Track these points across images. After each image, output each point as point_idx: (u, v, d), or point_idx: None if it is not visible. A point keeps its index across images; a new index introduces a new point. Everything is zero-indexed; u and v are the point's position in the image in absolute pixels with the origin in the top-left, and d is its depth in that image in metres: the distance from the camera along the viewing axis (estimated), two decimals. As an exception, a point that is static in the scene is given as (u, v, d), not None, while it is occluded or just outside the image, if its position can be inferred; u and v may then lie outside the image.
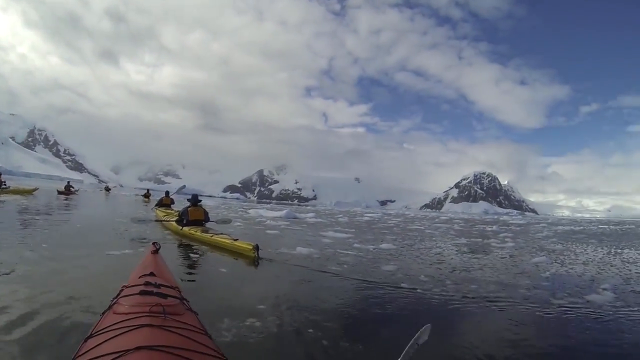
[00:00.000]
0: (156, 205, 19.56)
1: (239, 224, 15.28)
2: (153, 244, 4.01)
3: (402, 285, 5.96)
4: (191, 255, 7.72)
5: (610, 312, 5.13)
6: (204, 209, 10.88)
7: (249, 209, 30.36)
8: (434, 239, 15.32)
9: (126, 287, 2.68)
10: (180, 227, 10.35)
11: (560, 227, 33.13)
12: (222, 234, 9.22)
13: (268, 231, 13.33)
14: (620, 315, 5.04)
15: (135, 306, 2.23)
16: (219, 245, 8.58)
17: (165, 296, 2.37)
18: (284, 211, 22.90)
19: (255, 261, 7.30)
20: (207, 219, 10.69)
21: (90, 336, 2.00)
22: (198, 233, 9.56)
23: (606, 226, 42.14)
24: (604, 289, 6.46)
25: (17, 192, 23.55)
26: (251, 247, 7.54)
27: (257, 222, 17.12)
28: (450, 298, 5.42)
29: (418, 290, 5.68)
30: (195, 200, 10.80)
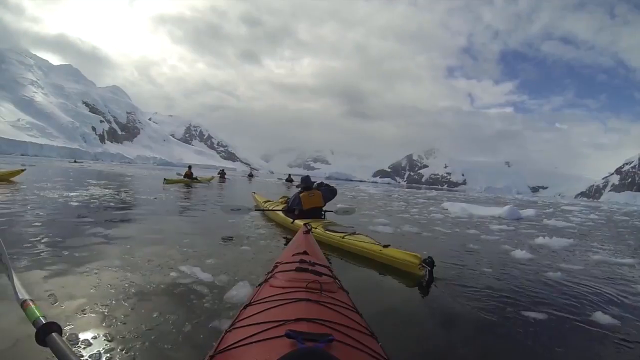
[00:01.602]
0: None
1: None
2: (305, 224, 4.18)
3: None
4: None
5: None
6: (322, 193, 8.16)
7: (437, 202, 21.75)
8: None
9: (280, 263, 2.85)
10: (291, 220, 7.68)
11: None
12: (357, 233, 6.27)
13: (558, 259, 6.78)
14: None
15: (292, 281, 2.36)
16: (358, 253, 5.71)
17: (320, 274, 2.47)
18: (506, 208, 15.53)
19: (424, 280, 4.59)
20: (328, 199, 8.29)
21: (250, 304, 2.16)
22: (320, 229, 6.58)
23: None
24: None
25: (202, 180, 25.47)
26: (417, 261, 4.81)
27: (505, 233, 9.91)
28: None
29: None
30: (307, 183, 8.19)
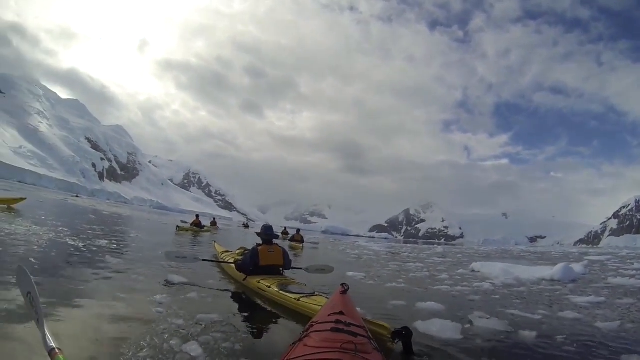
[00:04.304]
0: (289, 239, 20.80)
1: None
2: (342, 285, 3.94)
3: None
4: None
5: None
6: (284, 250, 6.86)
7: (458, 261, 18.88)
8: None
9: (316, 323, 2.90)
10: (244, 277, 6.58)
11: None
12: (316, 294, 5.26)
13: None
14: None
15: (326, 341, 2.40)
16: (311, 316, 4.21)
17: (355, 335, 2.50)
18: (558, 267, 12.45)
19: (398, 354, 3.83)
20: (287, 266, 6.84)
21: None
22: (273, 289, 5.70)
23: None
24: None
25: (209, 230, 26.87)
26: (386, 332, 3.94)
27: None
28: None
29: None
30: (268, 235, 6.87)
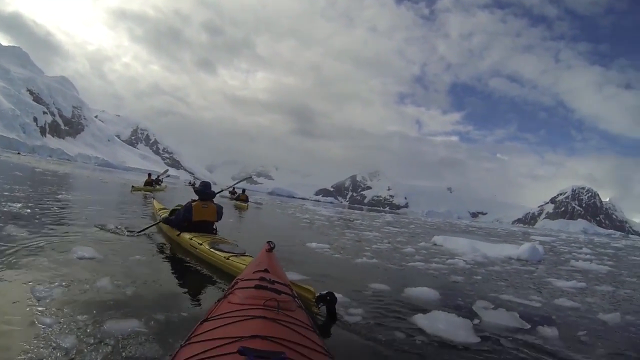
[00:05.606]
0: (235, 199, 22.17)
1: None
2: (268, 242, 3.85)
3: None
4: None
5: None
6: (217, 207, 6.80)
7: (413, 233, 18.98)
8: None
9: (241, 280, 2.86)
10: (177, 233, 6.55)
11: None
12: (246, 255, 5.18)
13: None
14: None
15: (250, 298, 2.34)
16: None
17: (279, 292, 2.44)
18: (525, 247, 12.06)
19: (321, 317, 3.80)
20: (219, 217, 6.86)
21: (206, 320, 2.13)
22: (205, 246, 5.65)
23: None
24: None
25: (160, 189, 26.10)
26: (311, 296, 3.85)
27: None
28: None
29: None
30: (206, 192, 6.81)
